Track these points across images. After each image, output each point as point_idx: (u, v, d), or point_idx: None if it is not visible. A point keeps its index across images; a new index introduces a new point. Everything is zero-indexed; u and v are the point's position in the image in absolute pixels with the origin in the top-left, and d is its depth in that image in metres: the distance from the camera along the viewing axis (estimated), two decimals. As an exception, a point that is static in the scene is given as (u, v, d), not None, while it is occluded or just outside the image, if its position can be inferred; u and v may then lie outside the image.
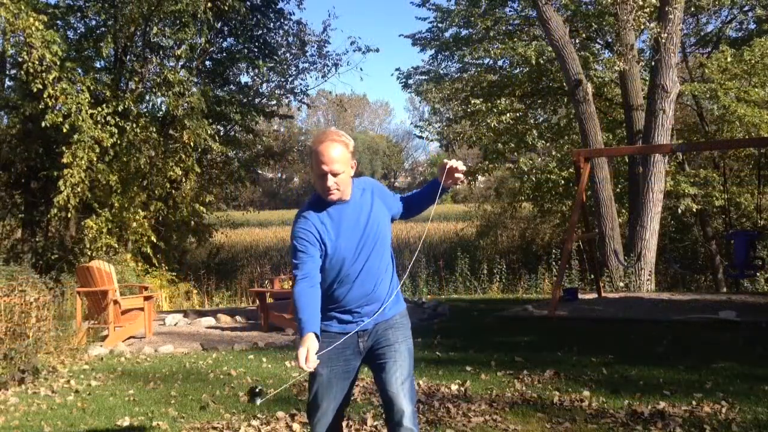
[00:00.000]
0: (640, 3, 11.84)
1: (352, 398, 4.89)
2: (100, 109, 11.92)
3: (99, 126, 11.78)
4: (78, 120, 11.42)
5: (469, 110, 17.13)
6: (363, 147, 62.83)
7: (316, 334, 2.63)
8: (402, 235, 24.65)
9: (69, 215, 12.39)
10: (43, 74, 11.07)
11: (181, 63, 13.76)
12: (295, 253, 2.83)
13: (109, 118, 11.97)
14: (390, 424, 2.81)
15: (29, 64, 10.91)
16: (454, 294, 12.57)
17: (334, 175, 2.74)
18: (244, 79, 17.09)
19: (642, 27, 12.18)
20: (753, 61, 14.40)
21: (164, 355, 7.11)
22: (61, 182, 11.54)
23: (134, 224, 12.54)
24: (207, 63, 15.38)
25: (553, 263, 12.47)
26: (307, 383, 5.59)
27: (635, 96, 13.11)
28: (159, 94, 13.32)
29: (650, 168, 11.78)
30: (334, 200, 2.81)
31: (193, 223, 14.90)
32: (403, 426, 2.76)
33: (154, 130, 12.92)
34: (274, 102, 17.00)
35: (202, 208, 14.28)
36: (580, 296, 10.01)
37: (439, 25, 18.06)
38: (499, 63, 18.01)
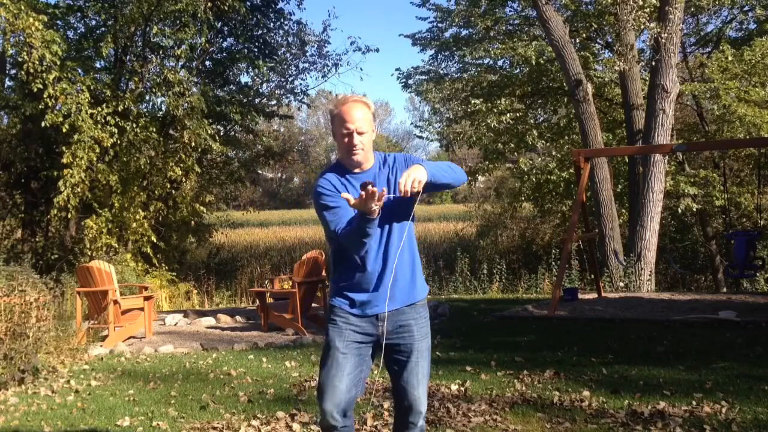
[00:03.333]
0: (640, 3, 11.84)
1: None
2: (100, 109, 11.92)
3: (99, 126, 11.79)
4: (78, 120, 11.42)
5: (469, 110, 17.13)
6: (363, 147, 62.73)
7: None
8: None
9: (69, 215, 12.39)
10: (43, 74, 11.07)
11: (181, 63, 13.76)
12: (323, 212, 2.76)
13: (109, 118, 11.97)
14: (404, 420, 2.85)
15: (29, 64, 10.91)
16: (454, 294, 12.56)
17: (360, 134, 2.72)
18: (244, 79, 17.11)
19: (642, 27, 12.17)
20: (753, 61, 14.40)
21: (164, 355, 7.11)
22: (61, 182, 11.54)
23: (134, 224, 12.54)
24: (207, 63, 15.38)
25: (553, 263, 12.46)
26: (306, 383, 5.60)
27: (635, 96, 13.11)
28: (159, 94, 13.32)
29: (650, 168, 11.77)
30: (358, 161, 2.76)
31: (193, 223, 14.90)
32: (418, 427, 2.82)
33: (154, 130, 12.91)
34: (274, 102, 17.00)
35: (202, 208, 14.28)
36: (580, 296, 10.01)
37: (439, 25, 18.08)
38: (499, 63, 18.03)
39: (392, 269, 2.77)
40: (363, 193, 2.49)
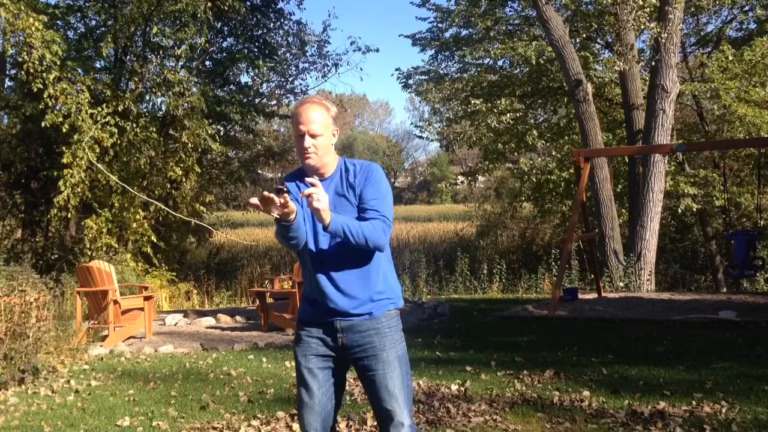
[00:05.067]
0: (640, 3, 11.83)
1: (352, 398, 4.91)
2: (100, 109, 11.92)
3: (99, 126, 11.79)
4: (78, 120, 11.42)
5: (469, 110, 17.14)
6: (363, 147, 62.83)
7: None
8: (401, 235, 24.65)
9: (69, 215, 12.39)
10: (43, 74, 11.06)
11: (181, 63, 13.75)
12: None
13: (109, 118, 11.96)
14: None
15: (29, 64, 10.90)
16: (454, 294, 12.56)
17: (312, 136, 2.62)
18: (244, 79, 17.13)
19: (642, 27, 12.17)
20: (753, 61, 14.40)
21: (164, 355, 7.11)
22: (61, 182, 11.54)
23: (134, 224, 12.54)
24: (207, 63, 15.37)
25: (553, 263, 12.46)
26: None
27: (635, 96, 13.11)
28: (159, 94, 13.32)
29: (650, 168, 11.78)
30: (311, 165, 2.66)
31: (193, 223, 14.89)
32: None
33: (154, 130, 12.91)
34: (274, 102, 17.03)
35: (202, 208, 14.28)
36: (580, 296, 10.01)
37: (439, 25, 18.08)
38: (499, 63, 18.03)
39: (339, 283, 2.65)
40: (259, 198, 2.41)
